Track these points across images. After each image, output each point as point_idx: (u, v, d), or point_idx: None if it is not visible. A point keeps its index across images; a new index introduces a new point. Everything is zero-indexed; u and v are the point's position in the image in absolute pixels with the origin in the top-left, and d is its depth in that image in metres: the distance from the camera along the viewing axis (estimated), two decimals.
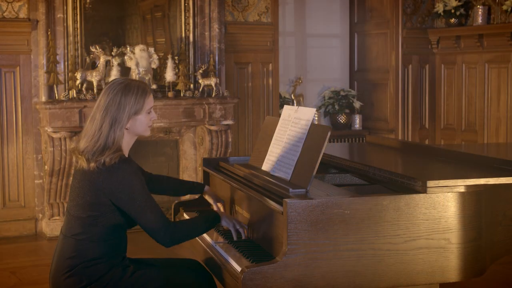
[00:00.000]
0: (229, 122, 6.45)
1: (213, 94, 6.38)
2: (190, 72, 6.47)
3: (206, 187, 3.43)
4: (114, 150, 2.79)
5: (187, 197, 6.57)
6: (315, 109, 3.13)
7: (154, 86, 6.18)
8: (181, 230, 2.91)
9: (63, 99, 5.88)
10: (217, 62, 6.53)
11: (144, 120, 2.89)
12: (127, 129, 2.86)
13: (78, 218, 2.85)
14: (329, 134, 2.85)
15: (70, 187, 2.94)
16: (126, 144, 2.90)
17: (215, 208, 3.36)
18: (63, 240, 2.90)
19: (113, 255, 2.88)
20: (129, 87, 2.85)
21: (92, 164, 2.78)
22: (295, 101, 7.70)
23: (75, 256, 2.83)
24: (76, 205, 2.86)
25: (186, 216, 3.77)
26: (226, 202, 3.44)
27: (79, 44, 6.09)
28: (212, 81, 6.34)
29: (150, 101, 2.90)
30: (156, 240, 2.87)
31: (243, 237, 3.08)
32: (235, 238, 3.07)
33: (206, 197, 3.42)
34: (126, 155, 2.91)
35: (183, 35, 6.47)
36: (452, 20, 7.24)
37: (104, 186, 2.78)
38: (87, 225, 2.83)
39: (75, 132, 5.87)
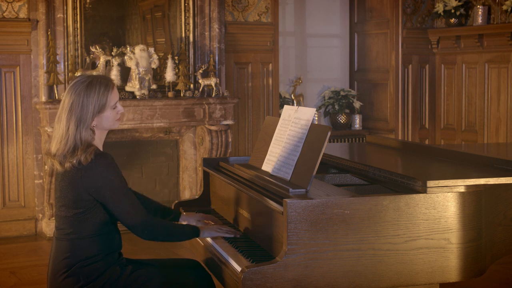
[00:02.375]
0: (229, 122, 6.44)
1: (213, 94, 6.38)
2: (190, 72, 6.47)
3: (182, 217, 3.33)
4: (85, 147, 2.80)
5: (187, 196, 6.59)
6: (315, 109, 3.13)
7: (154, 86, 6.18)
8: (161, 227, 2.93)
9: None
10: (217, 62, 6.53)
11: (110, 116, 2.88)
12: (94, 126, 2.86)
13: (66, 218, 2.86)
14: (329, 134, 2.85)
15: (54, 189, 2.94)
16: (98, 139, 2.91)
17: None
18: (56, 242, 2.91)
19: (108, 252, 2.88)
20: (90, 86, 2.83)
21: (67, 165, 2.80)
22: (295, 101, 7.70)
23: (70, 256, 2.84)
24: (61, 206, 2.87)
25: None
26: (226, 202, 3.44)
27: (79, 44, 6.09)
28: (212, 81, 6.33)
29: (114, 97, 2.88)
30: (135, 232, 2.87)
31: (238, 236, 3.10)
32: (235, 236, 3.09)
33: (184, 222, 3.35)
34: (101, 149, 2.92)
35: (183, 35, 6.47)
36: (452, 20, 7.25)
37: (83, 182, 2.79)
38: (76, 223, 2.84)
39: None
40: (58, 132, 2.84)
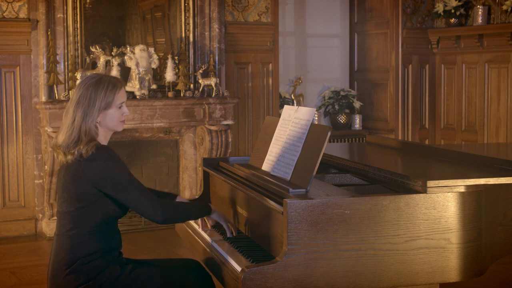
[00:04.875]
0: (229, 122, 6.45)
1: (213, 94, 6.38)
2: (190, 72, 6.47)
3: (178, 198, 3.36)
4: (88, 140, 2.85)
5: (187, 196, 6.58)
6: (315, 109, 3.13)
7: (154, 86, 6.18)
8: (174, 209, 2.99)
9: (63, 99, 5.88)
10: (217, 62, 6.53)
11: (114, 115, 2.93)
12: (98, 123, 2.90)
13: (67, 213, 2.88)
14: (329, 134, 2.85)
15: (57, 186, 2.97)
16: (103, 138, 2.95)
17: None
18: (57, 239, 2.93)
19: (107, 250, 2.89)
20: (99, 82, 2.91)
21: (69, 157, 2.85)
22: (295, 101, 7.70)
23: (70, 253, 2.85)
24: (64, 201, 2.89)
25: None
26: (226, 202, 3.44)
27: (79, 44, 6.09)
28: (212, 81, 6.33)
29: (121, 96, 2.94)
30: (150, 218, 2.90)
31: (234, 235, 3.15)
32: (228, 235, 3.13)
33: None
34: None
35: (183, 35, 6.47)
36: (452, 20, 7.25)
37: (86, 175, 2.82)
38: (76, 218, 2.86)
39: None
40: (65, 124, 2.90)
